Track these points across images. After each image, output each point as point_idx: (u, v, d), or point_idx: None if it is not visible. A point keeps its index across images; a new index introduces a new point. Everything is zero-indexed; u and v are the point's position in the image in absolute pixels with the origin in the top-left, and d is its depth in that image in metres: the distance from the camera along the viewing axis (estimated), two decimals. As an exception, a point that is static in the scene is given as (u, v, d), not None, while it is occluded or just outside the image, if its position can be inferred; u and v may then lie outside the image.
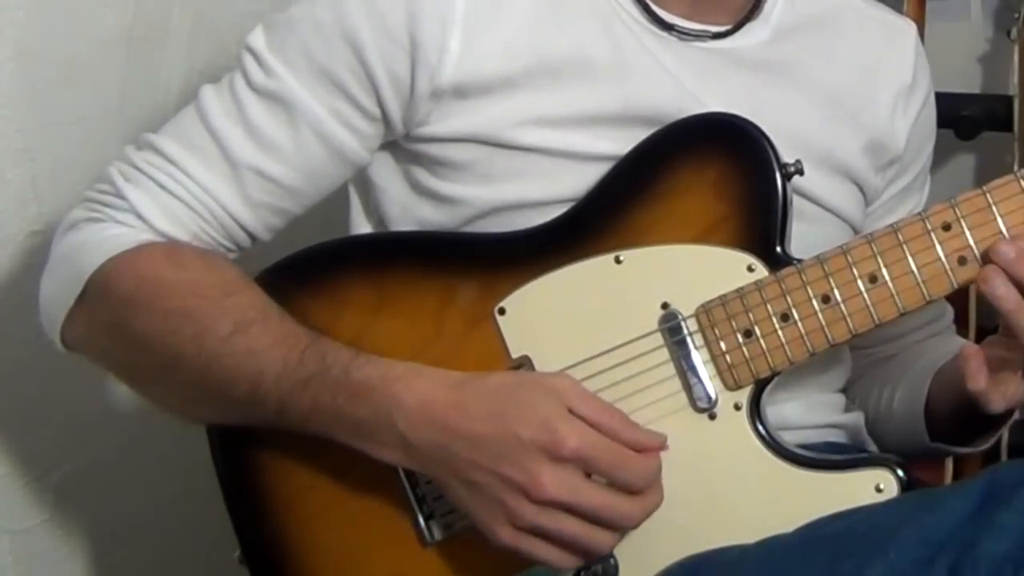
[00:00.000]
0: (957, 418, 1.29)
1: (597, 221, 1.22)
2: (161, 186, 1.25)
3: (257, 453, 1.26)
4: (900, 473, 1.17)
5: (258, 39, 1.26)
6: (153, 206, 1.24)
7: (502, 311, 1.22)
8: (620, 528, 1.13)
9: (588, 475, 1.11)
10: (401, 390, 1.14)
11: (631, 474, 1.12)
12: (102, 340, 1.25)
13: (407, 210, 1.29)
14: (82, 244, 1.25)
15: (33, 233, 1.49)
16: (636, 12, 1.28)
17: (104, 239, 1.24)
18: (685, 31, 1.29)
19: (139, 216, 1.24)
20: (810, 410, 1.31)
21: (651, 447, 1.14)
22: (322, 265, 1.27)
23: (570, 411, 1.12)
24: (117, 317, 1.22)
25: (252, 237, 1.28)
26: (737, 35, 1.31)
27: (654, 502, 1.14)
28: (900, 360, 1.43)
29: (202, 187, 1.24)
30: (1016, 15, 2.01)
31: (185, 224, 1.25)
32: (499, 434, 1.11)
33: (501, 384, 1.14)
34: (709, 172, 1.21)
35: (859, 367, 1.43)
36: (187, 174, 1.24)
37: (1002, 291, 1.13)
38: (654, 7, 1.28)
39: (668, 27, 1.28)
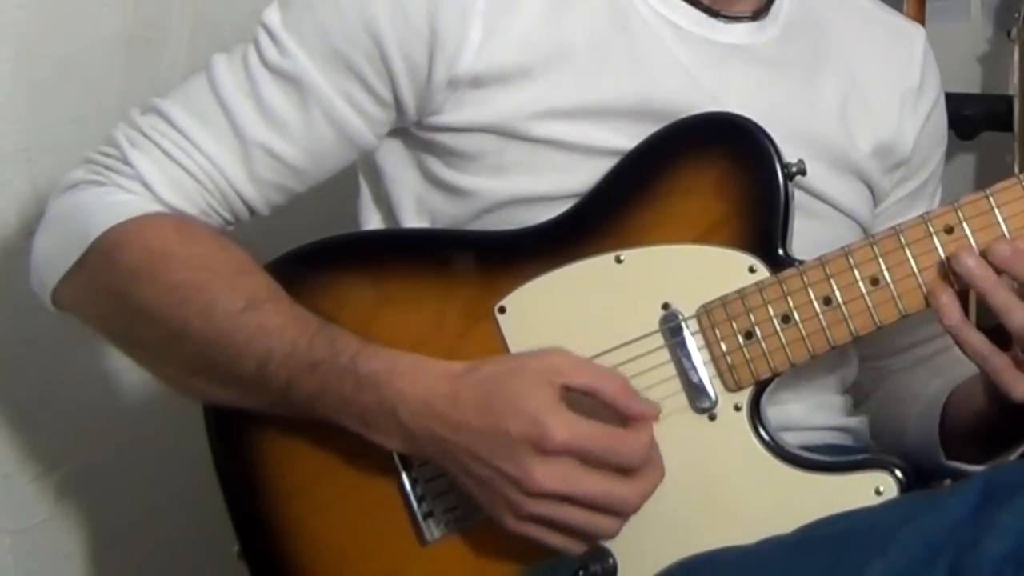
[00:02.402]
0: (976, 436, 1.29)
1: (598, 220, 1.22)
2: (168, 155, 1.24)
3: (257, 450, 1.26)
4: (899, 475, 1.17)
5: (273, 16, 1.25)
6: (159, 174, 1.24)
7: (502, 310, 1.22)
8: (621, 512, 1.13)
9: (583, 464, 1.11)
10: (404, 385, 1.14)
11: (624, 457, 1.12)
12: (101, 306, 1.25)
13: (417, 200, 1.29)
14: (84, 206, 1.24)
15: (33, 233, 1.49)
16: (656, 3, 1.27)
17: (108, 204, 1.23)
18: (723, 14, 1.28)
19: (144, 184, 1.24)
20: (814, 411, 1.31)
21: (647, 416, 1.14)
22: (324, 260, 1.26)
23: (568, 387, 1.12)
24: (121, 285, 1.21)
25: (252, 212, 1.28)
26: (752, 32, 1.30)
27: (652, 481, 1.14)
28: (915, 377, 1.42)
29: (210, 160, 1.24)
30: (1016, 15, 2.02)
31: (190, 195, 1.24)
32: (490, 429, 1.11)
33: (493, 375, 1.13)
34: (711, 172, 1.21)
35: (870, 380, 1.44)
36: (195, 145, 1.24)
37: (972, 263, 1.13)
38: None
39: (706, 8, 1.27)
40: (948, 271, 1.16)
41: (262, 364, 1.17)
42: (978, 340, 1.16)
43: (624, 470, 1.12)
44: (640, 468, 1.13)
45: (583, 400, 1.12)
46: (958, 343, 1.17)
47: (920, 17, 2.02)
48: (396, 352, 1.16)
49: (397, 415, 1.14)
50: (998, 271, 1.14)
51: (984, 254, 1.14)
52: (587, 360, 1.16)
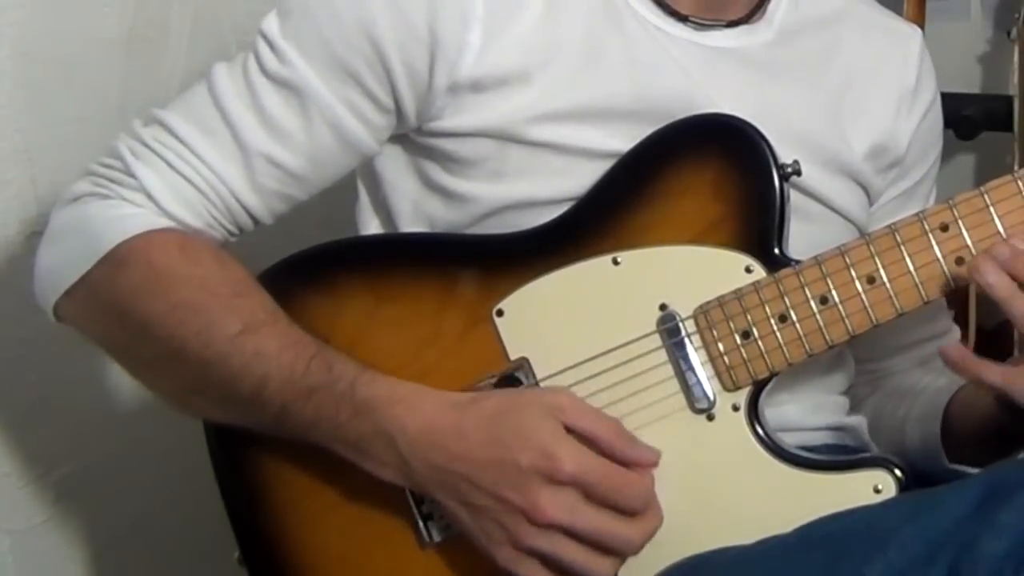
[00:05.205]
0: (982, 438, 1.28)
1: (595, 222, 1.22)
2: (171, 166, 1.24)
3: (256, 454, 1.26)
4: (898, 474, 1.17)
5: (272, 24, 1.25)
6: (163, 186, 1.24)
7: (500, 312, 1.22)
8: (620, 553, 1.13)
9: (588, 500, 1.12)
10: (403, 413, 1.14)
11: (627, 496, 1.13)
12: (102, 321, 1.25)
13: (417, 206, 1.29)
14: (91, 220, 1.24)
15: (33, 234, 1.49)
16: (649, 7, 1.28)
17: (114, 218, 1.23)
18: (700, 21, 1.28)
19: (148, 195, 1.24)
20: (812, 412, 1.31)
21: (646, 462, 1.15)
22: (322, 266, 1.26)
23: (568, 428, 1.12)
24: (122, 302, 1.21)
25: (255, 221, 1.28)
26: (743, 35, 1.31)
27: (652, 525, 1.14)
28: (914, 378, 1.42)
29: (212, 170, 1.24)
30: (1016, 15, 2.01)
31: (194, 207, 1.24)
32: (498, 460, 1.11)
33: (499, 408, 1.14)
34: (707, 173, 1.21)
35: (868, 383, 1.44)
36: (198, 156, 1.24)
37: (993, 278, 1.13)
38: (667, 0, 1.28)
39: (683, 18, 1.28)
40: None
41: (258, 388, 1.17)
42: (995, 375, 1.15)
43: (625, 511, 1.13)
44: (642, 510, 1.13)
45: (582, 440, 1.13)
46: (979, 384, 1.17)
47: (920, 17, 2.02)
48: (394, 379, 1.17)
49: (395, 443, 1.14)
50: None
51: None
52: (589, 405, 1.17)
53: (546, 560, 1.12)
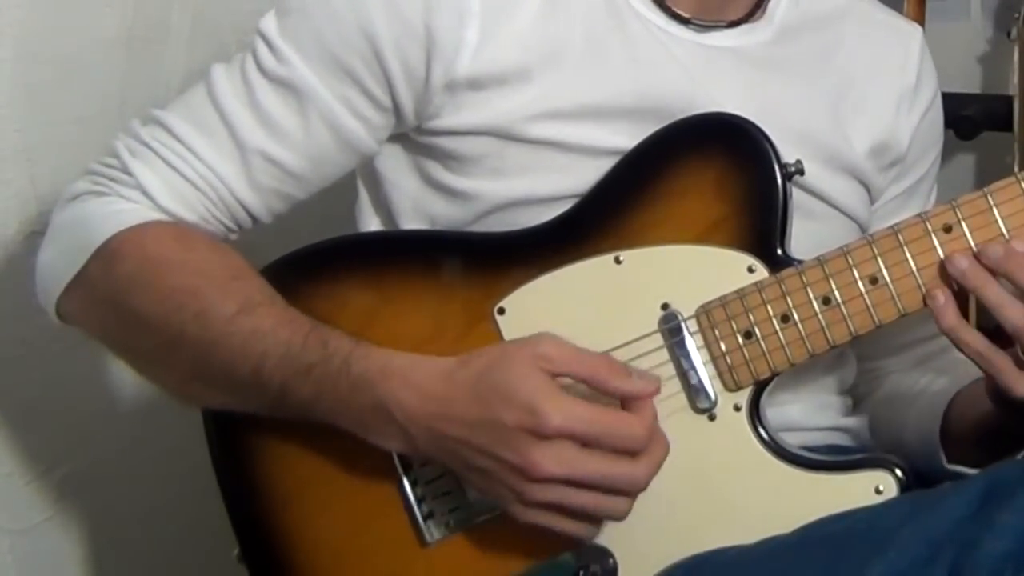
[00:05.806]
0: (980, 438, 1.28)
1: (597, 221, 1.22)
2: (168, 164, 1.24)
3: (256, 453, 1.26)
4: (899, 474, 1.17)
5: (270, 24, 1.25)
6: (159, 184, 1.24)
7: (501, 311, 1.22)
8: (629, 491, 1.12)
9: (584, 447, 1.10)
10: (397, 385, 1.14)
11: (622, 439, 1.10)
12: (101, 315, 1.25)
13: (417, 204, 1.29)
14: (87, 217, 1.24)
15: (33, 233, 1.49)
16: (650, 7, 1.28)
17: (110, 214, 1.23)
18: (701, 22, 1.28)
19: (145, 193, 1.24)
20: (814, 412, 1.31)
21: (643, 394, 1.13)
22: (323, 263, 1.27)
23: (555, 374, 1.11)
24: (119, 293, 1.21)
25: (254, 219, 1.28)
26: (743, 34, 1.31)
27: (657, 458, 1.12)
28: (914, 377, 1.42)
29: (210, 168, 1.24)
30: (1016, 15, 2.02)
31: (190, 203, 1.25)
32: (486, 421, 1.11)
33: (483, 368, 1.12)
34: (710, 172, 1.21)
35: (869, 382, 1.44)
36: (195, 154, 1.24)
37: (964, 264, 1.14)
38: (666, 1, 1.28)
39: (685, 20, 1.28)
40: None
41: (257, 367, 1.17)
42: (976, 340, 1.16)
43: (624, 450, 1.11)
44: (642, 447, 1.12)
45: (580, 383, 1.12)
46: (956, 345, 1.17)
47: (920, 17, 2.02)
48: (389, 352, 1.16)
49: (393, 416, 1.14)
50: (994, 273, 1.14)
51: (978, 256, 1.15)
52: (575, 348, 1.14)
53: (560, 508, 1.11)
